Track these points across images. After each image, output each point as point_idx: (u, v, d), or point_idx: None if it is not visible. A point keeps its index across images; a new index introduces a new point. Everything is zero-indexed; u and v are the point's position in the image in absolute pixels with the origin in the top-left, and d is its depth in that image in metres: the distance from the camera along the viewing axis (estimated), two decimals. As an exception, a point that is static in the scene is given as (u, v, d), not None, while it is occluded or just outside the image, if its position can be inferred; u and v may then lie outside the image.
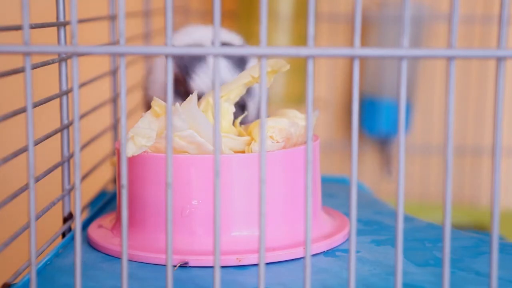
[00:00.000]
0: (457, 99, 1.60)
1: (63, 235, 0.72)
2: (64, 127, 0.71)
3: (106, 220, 0.73)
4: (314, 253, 0.65)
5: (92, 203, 0.86)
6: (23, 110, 0.58)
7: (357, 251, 0.66)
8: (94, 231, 0.70)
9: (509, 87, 1.50)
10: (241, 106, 0.73)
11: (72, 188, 0.72)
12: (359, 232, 0.71)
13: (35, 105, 0.62)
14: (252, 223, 0.64)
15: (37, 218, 0.62)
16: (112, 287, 0.59)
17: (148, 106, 0.67)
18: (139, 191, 0.66)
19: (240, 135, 0.70)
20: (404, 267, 0.62)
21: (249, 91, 0.72)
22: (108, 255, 0.66)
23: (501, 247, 0.64)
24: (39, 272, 0.62)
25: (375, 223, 0.75)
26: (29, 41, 0.48)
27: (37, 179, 0.64)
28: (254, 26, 1.48)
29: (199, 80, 0.72)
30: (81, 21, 0.69)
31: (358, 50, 0.47)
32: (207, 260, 0.62)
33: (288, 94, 1.50)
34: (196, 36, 0.77)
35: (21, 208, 0.63)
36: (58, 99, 0.71)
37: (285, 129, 0.67)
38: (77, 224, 0.50)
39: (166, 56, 0.48)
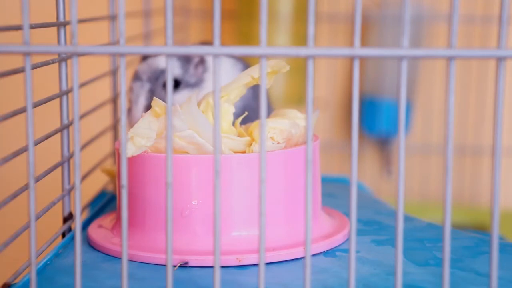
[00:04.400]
0: (457, 99, 1.60)
1: (63, 235, 0.72)
2: (64, 127, 0.71)
3: (106, 220, 0.73)
4: (314, 253, 0.65)
5: (92, 203, 0.86)
6: (23, 110, 0.58)
7: (357, 251, 0.66)
8: (94, 231, 0.70)
9: (509, 87, 1.50)
10: None
11: (72, 188, 0.72)
12: (359, 232, 0.71)
13: (35, 105, 0.62)
14: (252, 223, 0.64)
15: (37, 218, 0.62)
16: (112, 287, 0.59)
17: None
18: (139, 191, 0.66)
19: (240, 135, 0.70)
20: (404, 267, 0.61)
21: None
22: (108, 255, 0.66)
23: (501, 247, 0.64)
24: (39, 272, 0.62)
25: (375, 223, 0.75)
26: (29, 41, 0.48)
27: (37, 179, 0.64)
28: (254, 26, 1.48)
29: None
30: (81, 21, 0.69)
31: (358, 50, 0.47)
32: (207, 260, 0.62)
33: (288, 94, 1.50)
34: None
35: (21, 208, 0.63)
36: (58, 99, 0.71)
37: (286, 130, 0.67)
38: (77, 224, 0.50)
39: (166, 56, 0.48)
